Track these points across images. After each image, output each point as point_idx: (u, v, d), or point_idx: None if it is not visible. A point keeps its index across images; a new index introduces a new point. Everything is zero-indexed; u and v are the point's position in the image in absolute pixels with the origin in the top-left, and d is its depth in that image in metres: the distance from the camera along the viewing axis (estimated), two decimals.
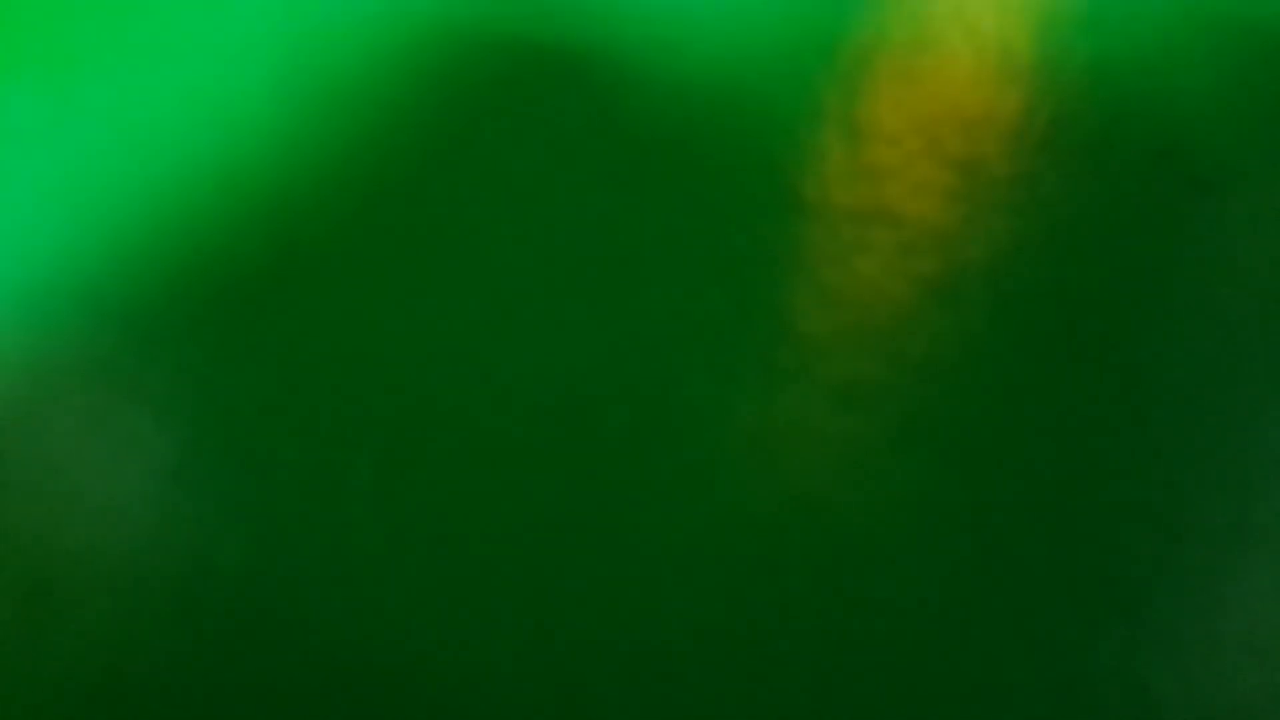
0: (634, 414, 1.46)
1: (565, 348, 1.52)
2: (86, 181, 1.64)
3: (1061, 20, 1.88)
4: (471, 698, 1.26)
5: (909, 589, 1.34)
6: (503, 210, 1.64)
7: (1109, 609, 1.33)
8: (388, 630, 1.30)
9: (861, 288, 1.58)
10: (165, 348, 1.49)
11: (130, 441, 1.41)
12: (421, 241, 1.61)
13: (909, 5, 1.89)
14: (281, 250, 1.59)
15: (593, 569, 1.35)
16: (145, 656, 1.27)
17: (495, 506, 1.39)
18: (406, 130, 1.72)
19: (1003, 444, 1.45)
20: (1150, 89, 1.80)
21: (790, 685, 1.28)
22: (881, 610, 1.33)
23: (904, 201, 1.67)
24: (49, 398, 1.44)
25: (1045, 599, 1.34)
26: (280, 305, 1.54)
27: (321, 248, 1.59)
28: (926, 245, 1.63)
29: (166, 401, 1.45)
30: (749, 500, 1.40)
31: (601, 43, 1.83)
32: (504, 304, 1.55)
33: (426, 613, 1.31)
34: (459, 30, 1.84)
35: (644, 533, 1.37)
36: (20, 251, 1.57)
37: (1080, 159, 1.72)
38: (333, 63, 1.79)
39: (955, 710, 1.27)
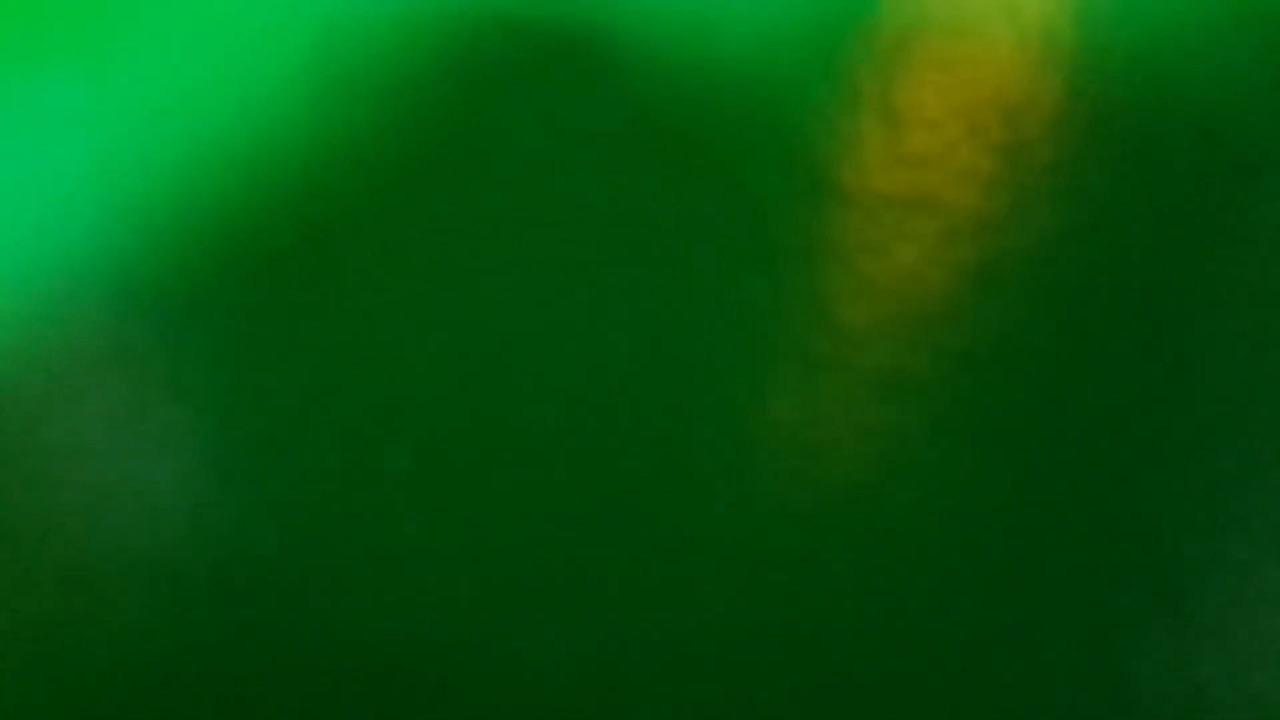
0: (671, 405, 1.46)
1: (601, 338, 1.51)
2: (119, 170, 1.65)
3: (1104, 4, 1.88)
4: (505, 689, 1.26)
5: (950, 582, 1.34)
6: (536, 199, 1.64)
7: (1157, 604, 1.33)
8: (420, 620, 1.30)
9: (901, 277, 1.57)
10: (199, 338, 1.50)
11: (164, 431, 1.42)
12: (455, 231, 1.61)
13: None
14: (313, 240, 1.59)
15: (629, 560, 1.35)
16: (179, 645, 1.28)
17: (530, 498, 1.39)
18: (438, 116, 1.72)
19: (1045, 435, 1.45)
20: (1194, 73, 1.80)
21: (830, 677, 1.27)
22: (923, 603, 1.32)
23: (944, 189, 1.67)
24: (83, 387, 1.45)
25: (1092, 593, 1.33)
26: (312, 295, 1.54)
27: (353, 237, 1.60)
28: (967, 233, 1.62)
29: (200, 391, 1.45)
30: (788, 491, 1.39)
31: (635, 28, 1.83)
32: (539, 293, 1.55)
33: (460, 602, 1.31)
34: (488, 16, 1.84)
35: (682, 525, 1.37)
36: (53, 241, 1.58)
37: (1123, 144, 1.72)
38: (362, 51, 1.79)
39: (1002, 705, 1.26)
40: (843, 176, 1.67)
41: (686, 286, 1.56)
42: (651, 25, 1.84)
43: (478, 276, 1.57)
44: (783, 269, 1.57)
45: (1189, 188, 1.67)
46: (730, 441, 1.43)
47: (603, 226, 1.62)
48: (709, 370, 1.49)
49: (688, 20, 1.84)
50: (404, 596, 1.32)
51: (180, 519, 1.36)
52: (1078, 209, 1.65)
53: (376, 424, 1.44)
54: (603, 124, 1.72)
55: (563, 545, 1.36)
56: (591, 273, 1.57)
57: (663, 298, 1.55)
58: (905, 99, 1.76)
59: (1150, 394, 1.48)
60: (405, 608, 1.31)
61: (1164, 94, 1.77)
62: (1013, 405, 1.47)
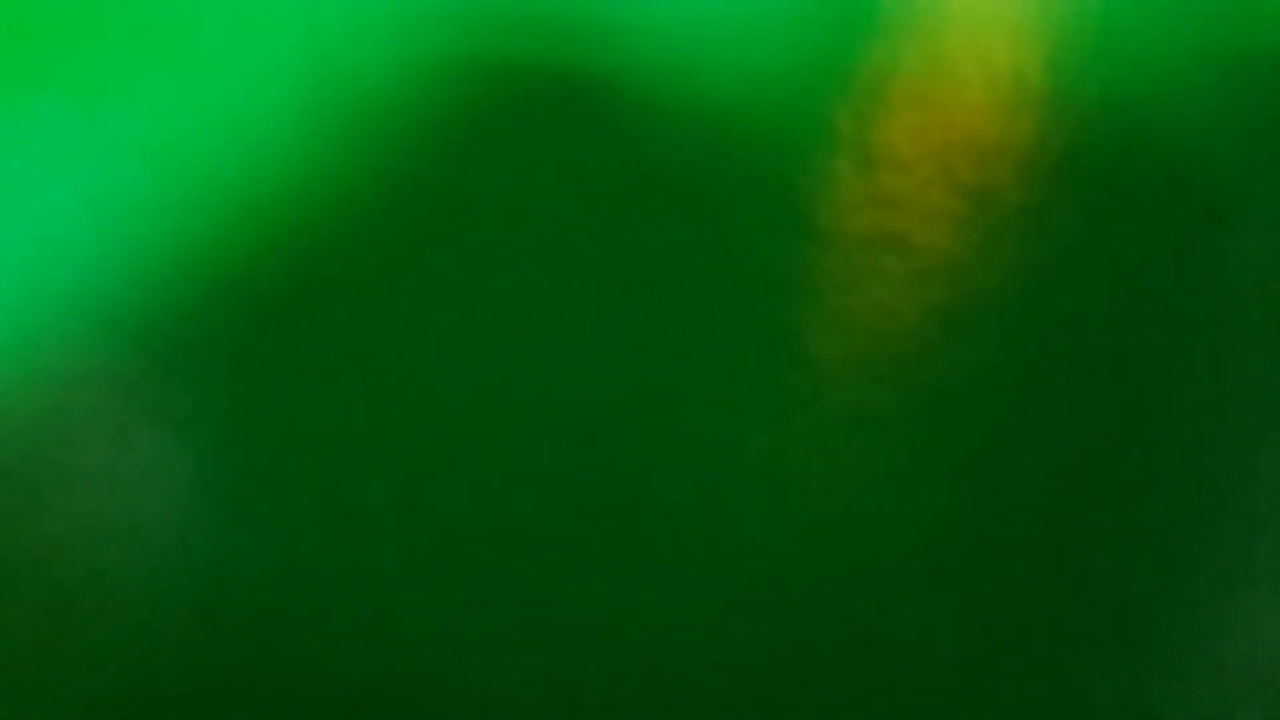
0: (645, 439, 1.46)
1: (577, 372, 1.51)
2: (107, 199, 1.64)
3: (1074, 49, 1.88)
4: (485, 715, 1.25)
5: (918, 616, 1.33)
6: (517, 233, 1.64)
7: (1118, 639, 1.32)
8: (404, 647, 1.29)
9: (873, 314, 1.57)
10: (186, 365, 1.49)
11: (150, 459, 1.41)
12: (438, 263, 1.61)
13: (922, 33, 1.89)
14: (302, 269, 1.59)
15: (604, 593, 1.34)
16: (164, 672, 1.26)
17: (509, 529, 1.38)
18: (426, 153, 1.72)
19: (1013, 472, 1.44)
20: (1162, 118, 1.80)
21: (801, 709, 1.27)
22: (890, 636, 1.32)
23: (916, 229, 1.66)
24: (70, 414, 1.44)
25: (1055, 628, 1.33)
26: (300, 323, 1.54)
27: (341, 267, 1.59)
28: (938, 272, 1.62)
29: (187, 419, 1.44)
30: (759, 526, 1.39)
31: (616, 68, 1.82)
32: (518, 327, 1.55)
33: (442, 629, 1.31)
34: (476, 55, 1.84)
35: (655, 558, 1.37)
36: (42, 269, 1.57)
37: (1092, 187, 1.71)
38: (354, 84, 1.79)
39: None
40: (818, 215, 1.66)
41: (662, 322, 1.56)
42: (635, 66, 1.83)
43: (460, 311, 1.56)
44: (757, 305, 1.57)
45: (1156, 230, 1.67)
46: (703, 475, 1.43)
47: (582, 263, 1.61)
48: (684, 404, 1.48)
49: (670, 62, 1.84)
50: (387, 625, 1.31)
51: (164, 548, 1.35)
52: (1046, 250, 1.65)
53: (361, 455, 1.43)
54: (585, 162, 1.71)
55: (540, 575, 1.35)
56: (570, 307, 1.57)
57: (639, 333, 1.55)
58: (879, 141, 1.75)
59: (1114, 432, 1.48)
60: (388, 636, 1.30)
61: (1132, 138, 1.77)
62: (981, 442, 1.47)
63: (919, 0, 1.93)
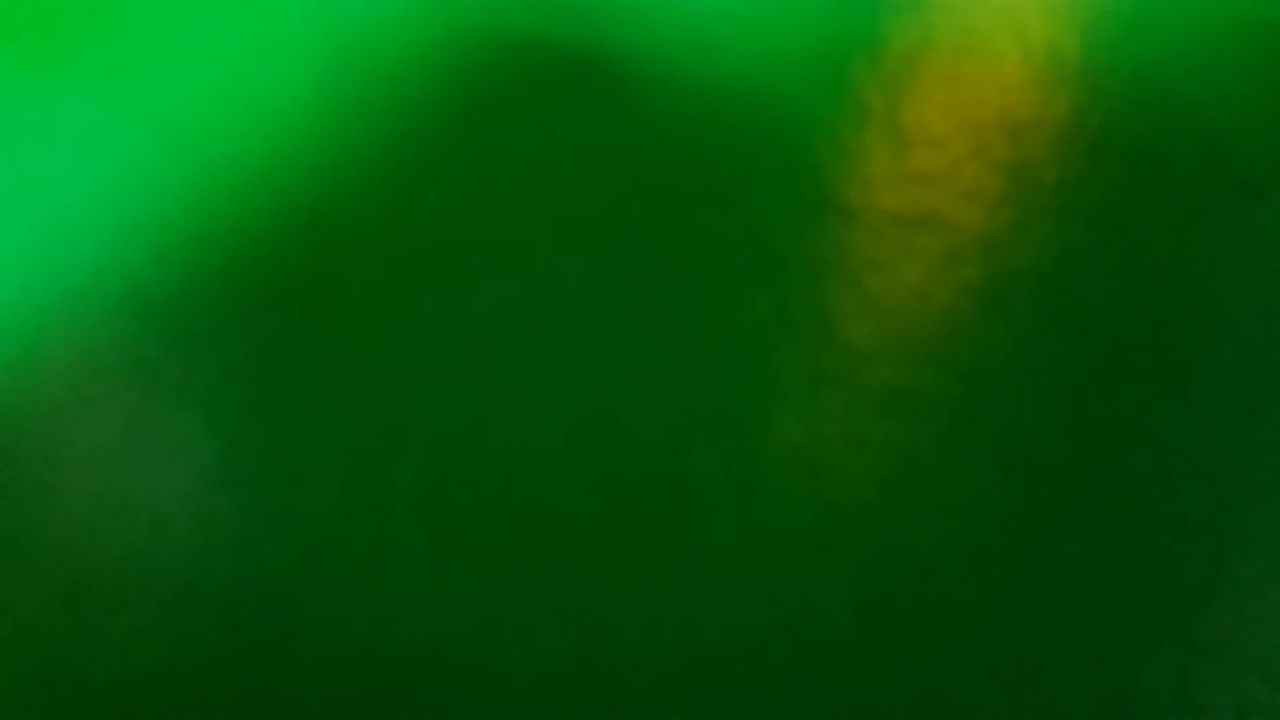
0: (677, 421, 1.45)
1: (607, 354, 1.51)
2: (130, 183, 1.65)
3: (1109, 24, 1.87)
4: (511, 704, 1.26)
5: (955, 599, 1.33)
6: (544, 215, 1.64)
7: (1160, 622, 1.32)
8: (426, 633, 1.30)
9: (907, 294, 1.57)
10: (209, 349, 1.50)
11: (174, 443, 1.41)
12: (462, 244, 1.61)
13: (955, 8, 1.89)
14: (323, 252, 1.59)
15: (635, 575, 1.34)
16: (187, 658, 1.27)
17: (535, 513, 1.38)
18: (447, 133, 1.72)
19: (1051, 453, 1.44)
20: (1200, 93, 1.79)
21: (832, 694, 1.27)
22: (927, 620, 1.32)
23: (950, 207, 1.66)
24: (93, 399, 1.45)
25: (1095, 612, 1.33)
26: (322, 307, 1.54)
27: (363, 251, 1.59)
28: (973, 251, 1.61)
29: (210, 403, 1.45)
30: (793, 508, 1.39)
31: (643, 46, 1.82)
32: (545, 309, 1.55)
33: (465, 616, 1.31)
34: (498, 33, 1.84)
35: (687, 540, 1.37)
36: (65, 253, 1.58)
37: (1129, 164, 1.71)
38: (373, 66, 1.79)
39: None
40: (849, 194, 1.66)
41: (693, 303, 1.55)
42: (660, 45, 1.83)
43: (485, 292, 1.56)
44: (789, 286, 1.57)
45: (1193, 207, 1.66)
46: (736, 458, 1.42)
47: (610, 244, 1.61)
48: (715, 386, 1.48)
49: (696, 40, 1.84)
50: (410, 610, 1.31)
51: (188, 532, 1.36)
52: (1082, 227, 1.64)
53: (383, 438, 1.43)
54: (611, 142, 1.71)
55: (568, 560, 1.35)
56: (598, 289, 1.57)
57: (669, 314, 1.55)
58: (911, 117, 1.75)
59: (1154, 412, 1.47)
60: (411, 621, 1.30)
61: (1169, 114, 1.76)
62: (1018, 422, 1.46)
63: None
